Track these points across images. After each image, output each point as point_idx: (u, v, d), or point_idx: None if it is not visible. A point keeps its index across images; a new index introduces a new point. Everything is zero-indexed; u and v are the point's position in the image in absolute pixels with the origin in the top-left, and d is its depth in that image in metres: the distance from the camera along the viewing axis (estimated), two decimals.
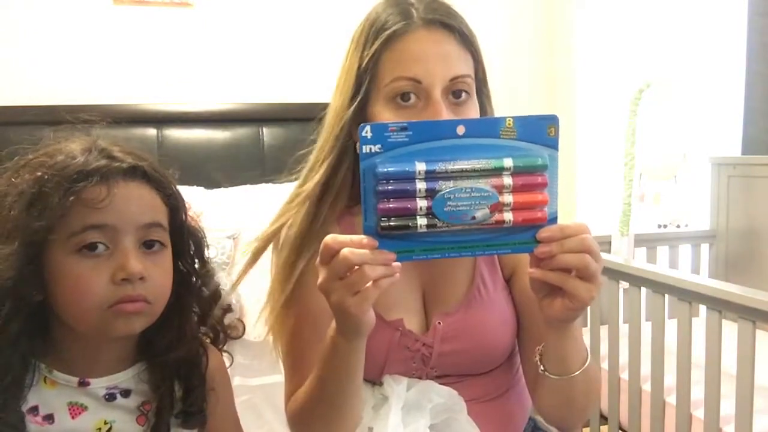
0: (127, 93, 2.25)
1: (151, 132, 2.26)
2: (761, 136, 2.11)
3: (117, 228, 0.64)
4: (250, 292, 1.96)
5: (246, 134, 2.38)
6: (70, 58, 2.24)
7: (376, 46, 0.81)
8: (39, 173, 0.64)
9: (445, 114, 0.80)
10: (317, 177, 0.88)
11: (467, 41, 0.83)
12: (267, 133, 2.40)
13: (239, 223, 2.08)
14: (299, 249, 0.87)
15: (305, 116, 2.34)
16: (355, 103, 0.83)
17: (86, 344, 0.68)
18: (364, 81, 0.82)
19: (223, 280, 1.90)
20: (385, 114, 0.81)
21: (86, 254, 0.63)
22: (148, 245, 0.67)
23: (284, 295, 0.88)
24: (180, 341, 0.72)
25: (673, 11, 2.32)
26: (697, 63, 2.21)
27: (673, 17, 2.31)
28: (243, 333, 1.72)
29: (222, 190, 2.20)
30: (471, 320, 0.90)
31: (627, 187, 2.04)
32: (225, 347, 0.82)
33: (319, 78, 2.41)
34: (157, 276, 0.67)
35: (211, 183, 2.18)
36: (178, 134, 2.30)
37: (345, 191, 0.89)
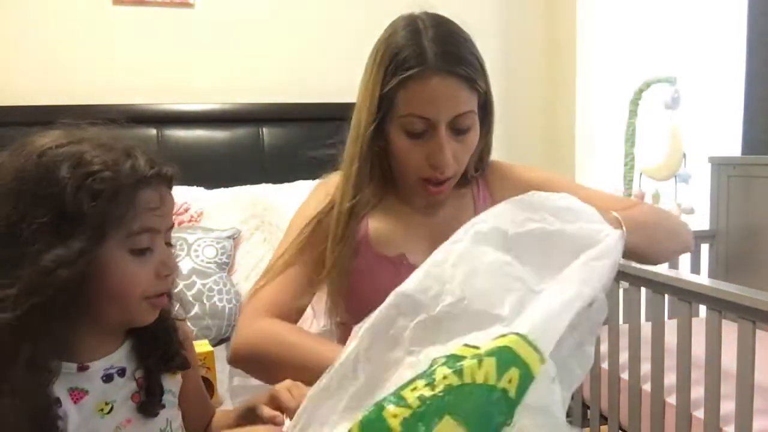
0: (127, 93, 2.25)
1: (151, 132, 2.26)
2: (761, 136, 2.10)
3: (161, 231, 0.71)
4: None
5: (246, 134, 2.38)
6: (70, 59, 2.24)
7: (394, 83, 0.90)
8: (109, 173, 0.66)
9: (446, 145, 0.90)
10: (345, 178, 0.99)
11: (473, 82, 0.90)
12: (267, 133, 2.40)
13: (239, 223, 2.08)
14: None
15: (305, 116, 2.39)
16: (375, 122, 0.94)
17: (89, 331, 0.70)
18: (383, 105, 0.92)
19: (223, 279, 1.90)
20: (398, 140, 0.93)
21: (137, 252, 0.69)
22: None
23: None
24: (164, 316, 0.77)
25: (673, 11, 2.32)
26: (697, 63, 2.21)
27: (674, 17, 2.31)
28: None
29: (222, 190, 2.21)
30: None
31: (627, 187, 2.04)
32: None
33: (319, 78, 2.42)
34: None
35: (211, 183, 2.18)
36: (178, 134, 2.31)
37: (370, 191, 0.99)
